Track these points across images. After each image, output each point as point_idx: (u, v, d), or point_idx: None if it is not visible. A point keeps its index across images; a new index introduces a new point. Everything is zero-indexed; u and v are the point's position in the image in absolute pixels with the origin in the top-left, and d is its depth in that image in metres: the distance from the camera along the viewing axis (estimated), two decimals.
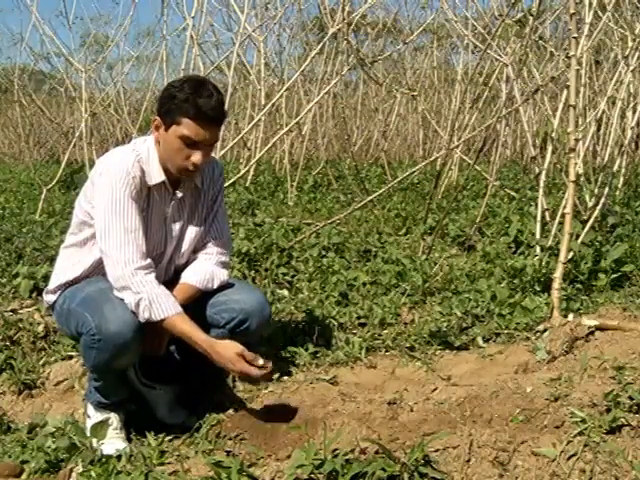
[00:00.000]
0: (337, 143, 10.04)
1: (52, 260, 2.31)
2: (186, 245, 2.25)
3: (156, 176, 2.12)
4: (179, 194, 2.19)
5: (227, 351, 2.00)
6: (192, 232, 2.25)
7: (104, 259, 2.06)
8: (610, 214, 4.03)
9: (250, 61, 7.75)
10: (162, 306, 2.00)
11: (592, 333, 2.58)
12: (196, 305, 2.19)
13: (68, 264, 2.21)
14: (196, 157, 2.05)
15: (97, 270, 2.16)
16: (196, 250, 2.28)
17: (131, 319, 1.97)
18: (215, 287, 2.23)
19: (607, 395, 1.81)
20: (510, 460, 1.65)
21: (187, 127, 2.01)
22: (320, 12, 5.10)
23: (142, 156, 2.10)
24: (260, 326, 2.25)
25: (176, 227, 2.22)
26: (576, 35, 2.80)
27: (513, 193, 5.61)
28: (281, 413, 2.12)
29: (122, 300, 2.00)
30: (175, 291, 2.14)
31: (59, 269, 2.23)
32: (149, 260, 2.07)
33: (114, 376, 2.08)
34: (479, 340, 2.81)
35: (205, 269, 2.23)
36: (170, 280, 2.22)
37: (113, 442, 2.05)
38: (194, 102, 1.99)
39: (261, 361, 2.00)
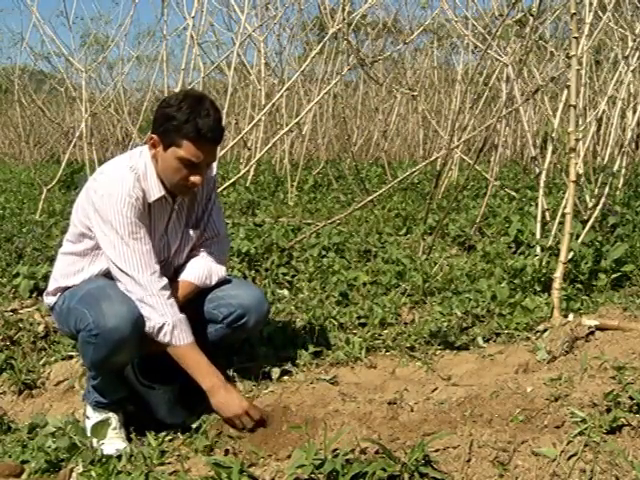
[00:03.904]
0: (337, 143, 10.05)
1: (52, 260, 2.31)
2: (185, 246, 2.27)
3: (156, 192, 2.11)
4: (176, 206, 2.20)
5: (232, 404, 1.99)
6: (191, 234, 2.27)
7: (121, 279, 2.05)
8: (610, 214, 4.02)
9: (250, 61, 7.76)
10: (183, 333, 2.02)
11: (592, 333, 2.58)
12: (195, 301, 2.20)
13: (69, 271, 2.20)
14: (195, 178, 2.05)
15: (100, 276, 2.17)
16: (194, 248, 2.29)
17: (129, 315, 1.97)
18: (213, 283, 2.25)
19: (607, 395, 1.81)
20: (510, 460, 1.65)
21: (187, 150, 2.00)
22: (320, 12, 5.10)
23: (140, 173, 2.08)
24: (258, 322, 2.27)
25: (177, 234, 2.23)
26: (576, 35, 2.79)
27: (513, 193, 5.61)
28: (279, 413, 2.12)
29: (120, 296, 2.01)
30: (174, 289, 2.15)
31: (59, 274, 2.23)
32: (166, 280, 2.08)
33: (112, 374, 2.09)
34: (479, 340, 2.81)
35: (203, 266, 2.24)
36: (169, 279, 2.22)
37: (113, 442, 2.05)
38: (194, 123, 1.96)
39: (257, 416, 2.01)
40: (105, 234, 2.04)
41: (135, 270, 2.02)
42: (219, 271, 2.26)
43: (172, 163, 2.03)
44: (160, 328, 2.00)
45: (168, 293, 2.05)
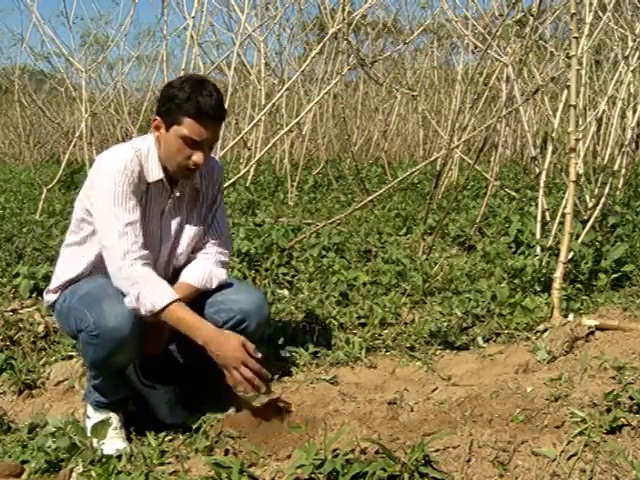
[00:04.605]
0: (337, 143, 10.04)
1: (52, 260, 2.31)
2: (183, 245, 2.25)
3: (155, 173, 2.12)
4: (177, 193, 2.20)
5: (230, 339, 2.01)
6: (190, 232, 2.25)
7: (103, 251, 2.07)
8: (610, 214, 4.02)
9: (250, 61, 7.77)
10: (161, 293, 2.00)
11: (592, 333, 2.58)
12: (194, 305, 2.18)
13: (69, 262, 2.21)
14: (197, 157, 2.05)
15: (99, 266, 2.15)
16: (195, 250, 2.28)
17: (129, 315, 1.97)
18: (214, 287, 2.23)
19: (607, 395, 1.81)
20: (510, 460, 1.65)
21: (188, 127, 2.01)
22: (320, 12, 5.11)
23: (141, 153, 2.10)
24: (259, 326, 2.25)
25: (172, 226, 2.22)
26: (576, 35, 2.79)
27: (513, 193, 5.61)
28: (280, 412, 2.12)
29: (121, 295, 2.00)
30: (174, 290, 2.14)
31: (60, 268, 2.23)
32: (147, 251, 2.07)
33: (112, 374, 2.08)
34: (479, 340, 2.81)
35: (204, 269, 2.23)
36: (169, 281, 2.21)
37: (113, 442, 2.05)
38: (195, 101, 1.99)
39: (259, 354, 2.03)
40: (95, 204, 2.06)
41: (116, 237, 2.02)
42: (220, 274, 2.25)
43: (175, 143, 2.04)
44: (137, 298, 1.98)
45: (144, 262, 2.04)
